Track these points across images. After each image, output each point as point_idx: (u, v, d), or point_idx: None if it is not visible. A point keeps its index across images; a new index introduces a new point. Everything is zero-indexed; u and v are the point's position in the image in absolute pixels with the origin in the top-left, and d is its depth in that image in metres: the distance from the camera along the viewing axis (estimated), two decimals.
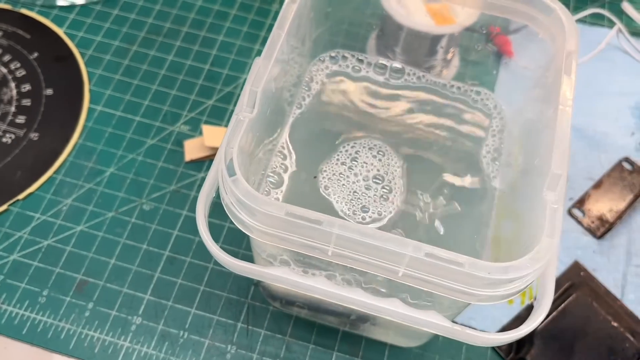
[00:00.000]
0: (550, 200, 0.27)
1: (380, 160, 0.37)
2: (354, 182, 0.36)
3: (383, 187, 0.36)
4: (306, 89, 0.40)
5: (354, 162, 0.37)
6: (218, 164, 0.28)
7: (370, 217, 0.35)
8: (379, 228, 0.34)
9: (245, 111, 0.28)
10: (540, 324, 0.39)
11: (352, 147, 0.38)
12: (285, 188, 0.36)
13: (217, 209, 0.44)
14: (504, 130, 0.38)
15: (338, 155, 0.37)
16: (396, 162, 0.37)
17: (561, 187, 0.27)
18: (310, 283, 0.26)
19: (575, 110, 0.50)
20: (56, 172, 0.46)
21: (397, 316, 0.26)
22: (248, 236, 0.28)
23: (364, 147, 0.38)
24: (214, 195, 0.29)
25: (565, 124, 0.29)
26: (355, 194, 0.36)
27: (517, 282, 0.26)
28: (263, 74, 0.29)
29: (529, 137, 0.36)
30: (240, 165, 0.27)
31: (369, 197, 0.36)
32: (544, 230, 0.26)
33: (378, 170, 0.37)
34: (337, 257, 0.27)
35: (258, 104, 0.29)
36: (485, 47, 0.41)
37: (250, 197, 0.26)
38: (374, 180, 0.36)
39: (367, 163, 0.37)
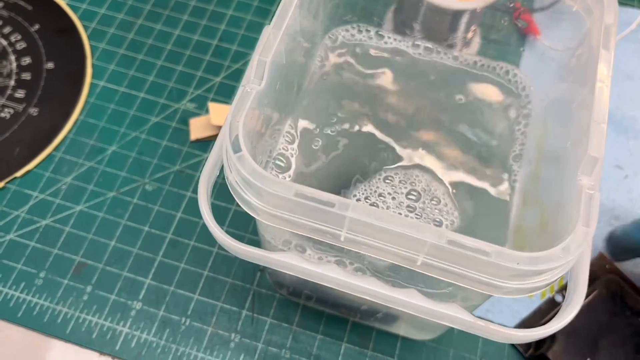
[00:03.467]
0: (586, 185, 0.24)
1: (400, 177, 0.34)
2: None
3: (432, 200, 0.33)
4: (319, 65, 0.37)
5: (380, 199, 0.34)
6: (222, 139, 0.26)
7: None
8: None
9: (253, 82, 0.26)
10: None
11: (364, 187, 0.34)
12: (292, 173, 0.34)
13: (223, 191, 0.42)
14: (531, 111, 0.36)
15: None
16: (415, 171, 0.34)
17: (597, 172, 0.25)
18: (319, 270, 0.24)
19: None
20: (56, 149, 0.44)
21: (414, 308, 0.24)
22: (255, 220, 0.26)
23: (376, 179, 0.34)
24: (218, 174, 0.27)
25: (602, 103, 0.27)
26: None
27: (546, 275, 0.23)
28: (273, 43, 0.27)
29: (557, 119, 0.33)
30: (247, 142, 0.25)
31: (423, 219, 0.33)
32: (579, 219, 0.23)
33: (406, 187, 0.34)
34: (351, 243, 0.25)
35: (267, 76, 0.26)
36: (512, 24, 0.38)
37: (256, 175, 0.24)
38: (409, 197, 0.34)
39: (390, 194, 0.34)
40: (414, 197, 0.33)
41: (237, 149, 0.24)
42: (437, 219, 0.33)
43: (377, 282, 0.24)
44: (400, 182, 0.34)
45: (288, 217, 0.24)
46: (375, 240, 0.24)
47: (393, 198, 0.33)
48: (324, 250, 0.32)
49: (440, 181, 0.34)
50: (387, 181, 0.34)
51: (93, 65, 0.48)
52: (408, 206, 0.33)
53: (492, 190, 0.34)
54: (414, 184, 0.34)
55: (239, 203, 0.25)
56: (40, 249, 0.41)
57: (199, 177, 0.43)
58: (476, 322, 0.23)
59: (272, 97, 0.29)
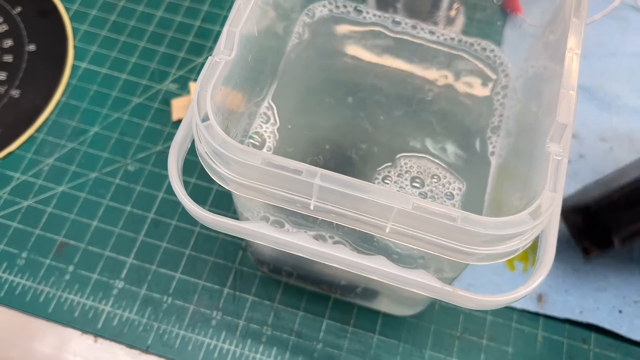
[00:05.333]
0: (554, 151, 0.24)
1: (396, 171, 0.34)
2: None
3: (433, 178, 0.33)
4: (296, 42, 0.37)
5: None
6: (191, 110, 0.25)
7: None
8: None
9: (223, 53, 0.26)
10: None
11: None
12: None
13: (204, 171, 0.42)
14: (509, 83, 0.36)
15: None
16: (402, 160, 0.34)
17: (566, 139, 0.25)
18: (289, 239, 0.24)
19: (585, 70, 0.48)
20: (38, 130, 0.44)
21: (382, 275, 0.24)
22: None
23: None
24: (189, 146, 0.27)
25: (572, 71, 0.27)
26: None
27: (516, 240, 0.23)
28: (243, 14, 0.27)
29: (533, 93, 0.33)
30: (218, 114, 0.25)
31: (438, 199, 0.33)
32: (546, 184, 0.24)
33: (406, 178, 0.34)
34: (320, 212, 0.25)
35: (237, 46, 0.26)
36: (492, 3, 0.38)
37: (224, 144, 0.24)
38: (414, 186, 0.34)
39: (399, 191, 0.33)
40: (418, 184, 0.33)
41: (205, 118, 0.24)
42: (448, 193, 0.33)
43: (345, 250, 0.24)
44: (398, 176, 0.34)
45: (257, 186, 0.24)
46: (345, 208, 0.24)
47: (404, 193, 0.33)
48: (302, 225, 0.32)
49: (428, 159, 0.34)
50: (387, 181, 0.34)
51: (75, 47, 0.48)
52: (420, 194, 0.33)
53: (473, 159, 0.34)
54: (410, 172, 0.34)
55: (209, 173, 0.25)
56: (22, 230, 0.41)
57: None
58: (444, 288, 0.23)
59: (244, 69, 0.29)
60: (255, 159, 0.23)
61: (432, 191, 0.33)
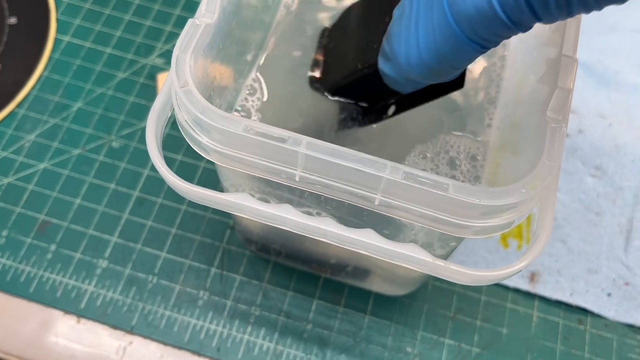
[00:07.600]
0: (552, 119, 0.23)
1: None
2: None
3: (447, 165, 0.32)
4: (285, 11, 0.36)
5: None
6: (170, 75, 0.24)
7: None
8: None
9: (204, 16, 0.25)
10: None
11: None
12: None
13: (190, 148, 0.41)
14: (506, 58, 0.34)
15: None
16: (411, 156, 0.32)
17: (566, 107, 0.24)
18: (272, 211, 0.23)
19: (585, 46, 0.46)
20: (19, 106, 0.43)
21: (372, 249, 0.23)
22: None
23: None
24: (169, 114, 0.26)
25: (571, 37, 0.25)
26: None
27: (511, 212, 0.22)
28: None
29: (530, 66, 0.32)
30: (198, 81, 0.24)
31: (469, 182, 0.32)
32: (544, 153, 0.22)
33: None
34: (306, 184, 0.23)
35: (219, 9, 0.25)
36: None
37: (204, 111, 0.22)
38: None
39: None
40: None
41: (184, 83, 0.23)
42: (476, 176, 0.32)
43: (332, 223, 0.23)
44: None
45: (240, 155, 0.23)
46: (332, 179, 0.23)
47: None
48: (289, 201, 0.31)
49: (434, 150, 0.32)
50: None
51: (58, 20, 0.46)
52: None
53: (472, 137, 0.33)
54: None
55: (189, 142, 0.24)
56: (2, 208, 0.39)
57: (167, 133, 0.42)
58: (435, 262, 0.22)
59: (228, 36, 0.27)
60: (237, 126, 0.22)
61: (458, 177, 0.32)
